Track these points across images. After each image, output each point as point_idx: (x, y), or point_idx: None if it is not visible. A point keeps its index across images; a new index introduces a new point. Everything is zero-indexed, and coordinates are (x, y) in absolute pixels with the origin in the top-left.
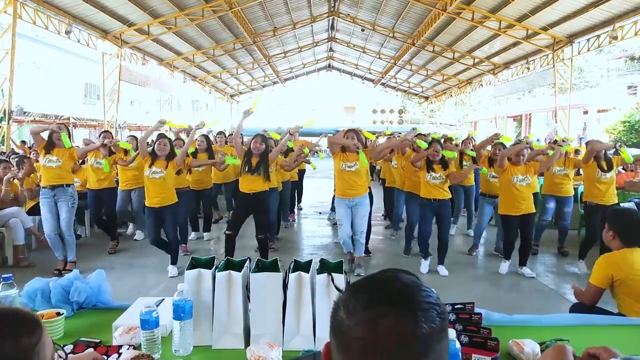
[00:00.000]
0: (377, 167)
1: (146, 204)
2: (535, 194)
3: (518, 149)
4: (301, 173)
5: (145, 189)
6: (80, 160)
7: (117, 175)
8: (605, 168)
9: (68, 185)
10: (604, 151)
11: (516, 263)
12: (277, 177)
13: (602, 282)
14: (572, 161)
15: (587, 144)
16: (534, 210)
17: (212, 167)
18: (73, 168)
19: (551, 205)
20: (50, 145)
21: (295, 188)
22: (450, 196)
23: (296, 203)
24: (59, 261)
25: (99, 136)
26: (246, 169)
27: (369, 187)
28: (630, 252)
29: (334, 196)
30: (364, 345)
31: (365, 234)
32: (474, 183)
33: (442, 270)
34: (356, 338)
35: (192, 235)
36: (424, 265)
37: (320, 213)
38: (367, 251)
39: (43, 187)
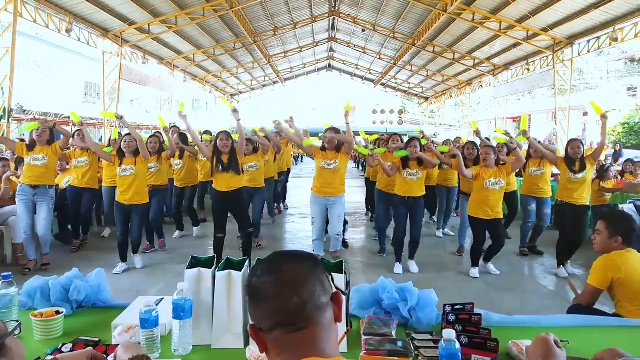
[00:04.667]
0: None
1: (116, 199)
2: (514, 193)
3: (483, 153)
4: (286, 173)
5: (117, 185)
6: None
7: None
8: (577, 169)
9: (50, 187)
10: (581, 153)
11: (516, 264)
12: (261, 176)
13: (602, 284)
14: (548, 161)
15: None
16: (502, 217)
17: (198, 165)
18: (63, 167)
19: (532, 206)
20: (32, 143)
21: (277, 186)
22: (423, 193)
23: (282, 201)
24: (31, 260)
25: (74, 135)
26: (220, 168)
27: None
28: (627, 252)
29: None
30: (275, 285)
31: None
32: (457, 185)
33: (413, 266)
34: (267, 283)
35: (176, 233)
36: (398, 267)
37: None
38: (344, 244)
39: (24, 184)
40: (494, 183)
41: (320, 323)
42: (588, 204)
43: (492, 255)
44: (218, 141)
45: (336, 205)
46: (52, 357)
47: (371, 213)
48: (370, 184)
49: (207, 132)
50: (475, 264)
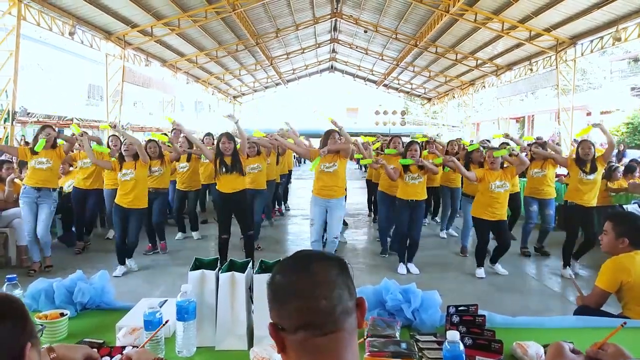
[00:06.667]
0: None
1: (115, 200)
2: (517, 194)
3: (491, 156)
4: (288, 175)
5: (118, 188)
6: (73, 164)
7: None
8: (588, 170)
9: (53, 190)
10: (592, 154)
11: (520, 265)
12: (263, 178)
13: (611, 286)
14: (551, 162)
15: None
16: (505, 218)
17: (199, 168)
18: (66, 170)
19: (534, 207)
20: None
21: (278, 190)
22: (425, 197)
23: (283, 202)
24: (35, 262)
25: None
26: (223, 170)
27: (345, 189)
28: (636, 254)
29: None
30: (304, 285)
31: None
32: (460, 185)
33: (413, 268)
34: (295, 282)
35: (178, 235)
36: (402, 267)
37: None
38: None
39: (28, 186)
40: (499, 186)
41: (346, 328)
42: (595, 205)
43: (498, 256)
44: (220, 144)
45: (336, 207)
46: (47, 346)
47: (374, 214)
48: (371, 186)
49: (209, 135)
50: (480, 264)
